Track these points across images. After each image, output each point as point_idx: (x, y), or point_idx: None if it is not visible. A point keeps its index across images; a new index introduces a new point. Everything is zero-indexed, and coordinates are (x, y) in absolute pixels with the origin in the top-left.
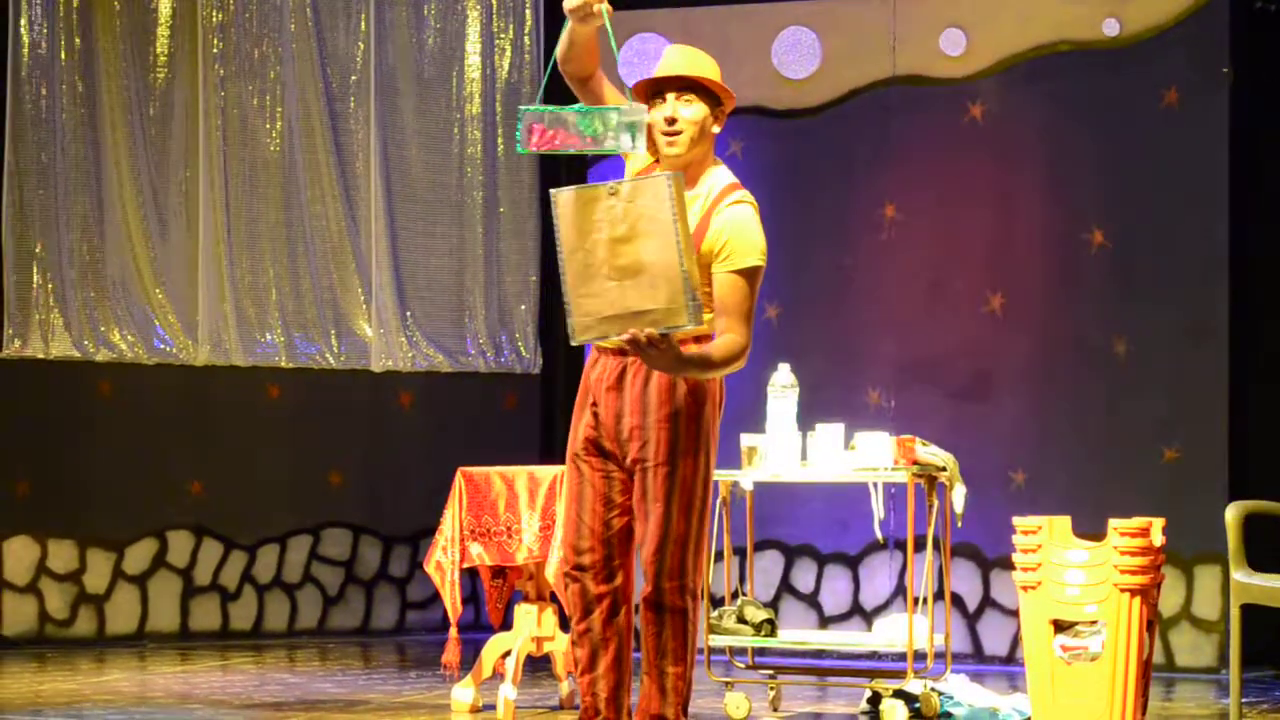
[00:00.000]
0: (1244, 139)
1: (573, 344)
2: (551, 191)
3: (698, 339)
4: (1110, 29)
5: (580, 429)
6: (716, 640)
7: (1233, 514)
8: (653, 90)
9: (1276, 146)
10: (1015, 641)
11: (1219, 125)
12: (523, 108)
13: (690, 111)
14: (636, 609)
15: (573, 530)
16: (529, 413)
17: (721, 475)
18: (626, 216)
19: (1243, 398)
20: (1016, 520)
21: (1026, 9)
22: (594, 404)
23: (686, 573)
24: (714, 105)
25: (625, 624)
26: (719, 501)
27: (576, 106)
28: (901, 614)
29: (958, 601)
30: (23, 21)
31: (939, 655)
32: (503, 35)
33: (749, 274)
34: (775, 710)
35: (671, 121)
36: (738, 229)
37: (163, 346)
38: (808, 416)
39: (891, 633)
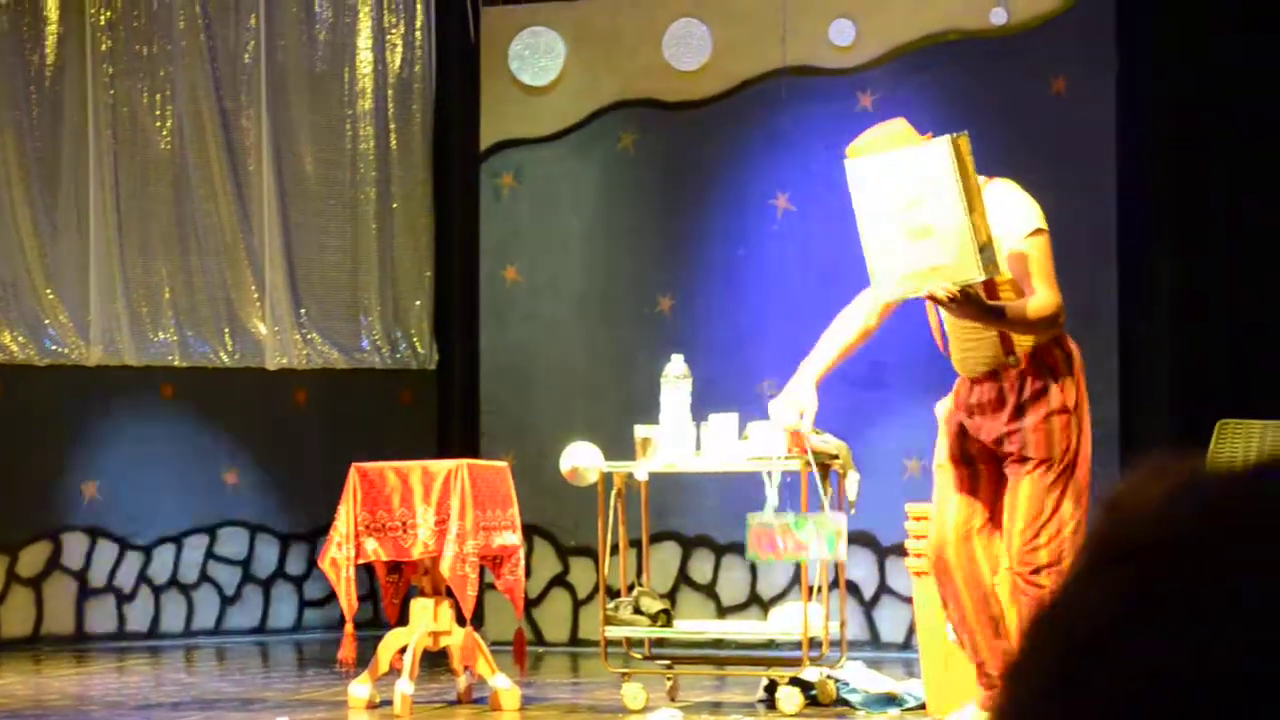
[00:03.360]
0: (1132, 125)
1: (879, 302)
2: (846, 161)
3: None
4: (998, 18)
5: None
6: (613, 631)
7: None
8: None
9: (1165, 132)
10: (912, 628)
11: (1107, 112)
12: (751, 516)
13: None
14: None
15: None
16: (425, 409)
17: (615, 466)
18: (913, 181)
19: (1134, 381)
20: (910, 506)
21: None
22: (963, 422)
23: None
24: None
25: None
26: (613, 493)
27: (792, 517)
28: (798, 603)
29: (854, 589)
30: None
31: (835, 643)
32: (394, 31)
33: (1037, 234)
34: (673, 700)
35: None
36: (1008, 202)
37: (54, 347)
38: (703, 407)
39: (787, 621)
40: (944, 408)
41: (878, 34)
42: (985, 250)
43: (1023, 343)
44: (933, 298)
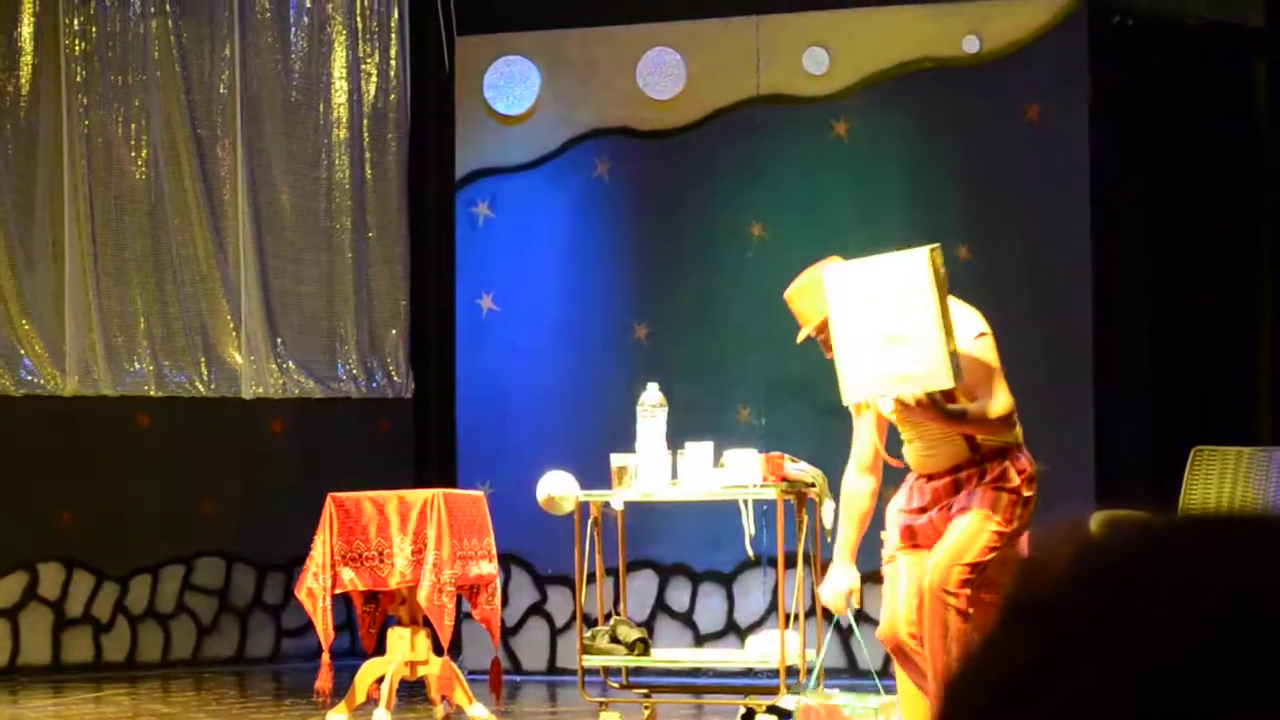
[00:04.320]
0: (1105, 153)
1: (845, 404)
2: (825, 269)
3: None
4: (971, 46)
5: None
6: (590, 660)
7: (1096, 522)
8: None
9: (1137, 160)
10: (888, 656)
11: (1080, 140)
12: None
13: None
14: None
15: None
16: (402, 438)
17: (591, 495)
18: (889, 288)
19: (1108, 408)
20: (885, 535)
21: (888, 27)
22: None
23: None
24: (806, 322)
25: None
26: (590, 522)
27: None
28: (775, 631)
29: (831, 617)
30: None
31: (811, 670)
32: (369, 60)
33: (981, 338)
34: None
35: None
36: (953, 308)
37: (30, 378)
38: (679, 436)
39: (765, 649)
40: (894, 507)
41: (852, 62)
42: (954, 358)
43: (987, 445)
44: (900, 402)
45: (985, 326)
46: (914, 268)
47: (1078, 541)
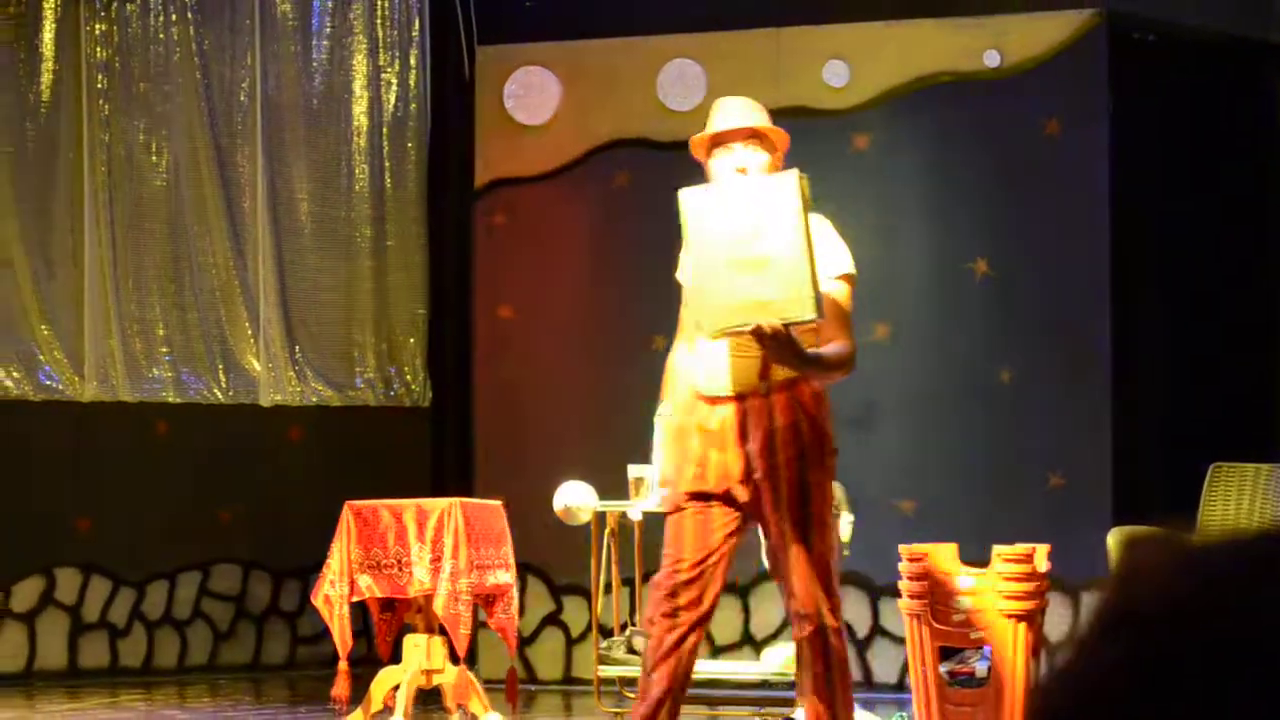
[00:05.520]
0: (1125, 168)
1: (705, 338)
2: (680, 191)
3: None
4: (991, 60)
5: (684, 482)
6: (606, 671)
7: (1115, 539)
8: (715, 140)
9: (1157, 175)
10: (904, 669)
11: (1100, 155)
12: None
13: (759, 160)
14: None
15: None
16: (419, 446)
17: (610, 506)
18: (752, 211)
19: (1127, 423)
20: (903, 548)
21: (909, 41)
22: (704, 455)
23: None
24: (773, 151)
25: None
26: (607, 532)
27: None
28: (791, 643)
29: (847, 629)
30: None
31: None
32: (389, 69)
33: (846, 280)
34: None
35: (744, 172)
36: (824, 241)
37: (49, 383)
38: None
39: (780, 661)
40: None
41: (872, 76)
42: (817, 290)
43: (779, 373)
44: (758, 332)
45: (853, 268)
46: (780, 191)
47: (1176, 553)
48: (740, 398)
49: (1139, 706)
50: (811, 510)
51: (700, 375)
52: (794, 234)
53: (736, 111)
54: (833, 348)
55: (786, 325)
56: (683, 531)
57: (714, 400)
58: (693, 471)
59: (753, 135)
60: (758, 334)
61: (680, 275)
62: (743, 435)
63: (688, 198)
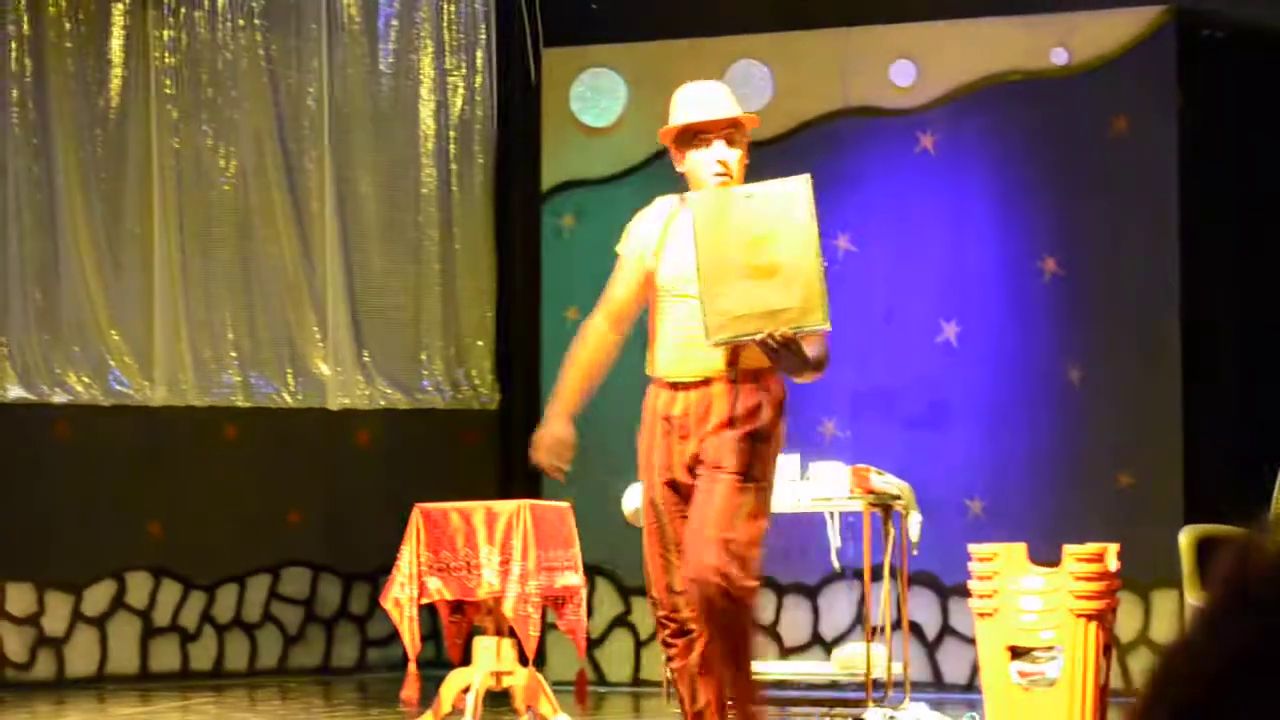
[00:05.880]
0: (1194, 165)
1: (708, 343)
2: (686, 195)
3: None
4: (1059, 58)
5: (657, 473)
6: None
7: (1186, 538)
8: (691, 131)
9: (1225, 173)
10: (974, 669)
11: (1169, 152)
12: None
13: (735, 154)
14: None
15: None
16: (487, 449)
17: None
18: (763, 217)
19: (1197, 423)
20: (972, 548)
21: (975, 40)
22: (678, 441)
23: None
24: (744, 144)
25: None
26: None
27: None
28: (860, 643)
29: (916, 630)
30: None
31: (898, 684)
32: (456, 73)
33: None
34: None
35: (723, 164)
36: None
37: (119, 388)
38: None
39: (850, 662)
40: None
41: (939, 75)
42: (827, 297)
43: (746, 360)
44: (768, 342)
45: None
46: (792, 197)
47: None
48: (706, 382)
49: (1258, 687)
50: (737, 466)
51: (662, 361)
52: (807, 241)
53: (715, 101)
54: (814, 350)
55: (797, 333)
56: (650, 556)
57: (678, 386)
58: (659, 461)
59: (731, 125)
60: (765, 344)
61: (622, 249)
62: (704, 420)
63: (695, 201)
